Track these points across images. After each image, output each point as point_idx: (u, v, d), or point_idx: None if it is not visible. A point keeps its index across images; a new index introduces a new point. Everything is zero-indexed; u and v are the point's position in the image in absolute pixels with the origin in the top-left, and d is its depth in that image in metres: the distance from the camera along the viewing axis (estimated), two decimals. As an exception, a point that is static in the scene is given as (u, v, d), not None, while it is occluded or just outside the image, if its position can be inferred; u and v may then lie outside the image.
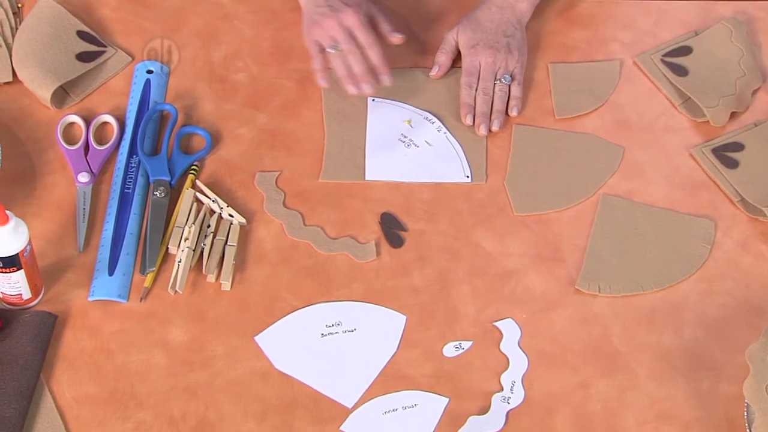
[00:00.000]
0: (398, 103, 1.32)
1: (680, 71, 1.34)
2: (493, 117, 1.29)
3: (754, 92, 1.34)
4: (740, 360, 1.10)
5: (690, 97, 1.32)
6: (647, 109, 1.32)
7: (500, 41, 1.31)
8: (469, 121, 1.29)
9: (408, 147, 1.28)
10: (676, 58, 1.35)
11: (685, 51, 1.36)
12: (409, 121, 1.30)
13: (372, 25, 1.28)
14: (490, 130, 1.29)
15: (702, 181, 1.27)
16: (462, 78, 1.31)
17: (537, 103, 1.32)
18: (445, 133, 1.29)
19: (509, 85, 1.31)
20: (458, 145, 1.28)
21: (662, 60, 1.35)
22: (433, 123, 1.30)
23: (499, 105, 1.30)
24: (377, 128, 1.30)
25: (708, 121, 1.30)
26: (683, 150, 1.29)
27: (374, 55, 1.25)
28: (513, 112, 1.30)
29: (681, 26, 1.39)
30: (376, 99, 1.32)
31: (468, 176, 1.26)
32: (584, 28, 1.39)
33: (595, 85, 1.34)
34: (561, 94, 1.33)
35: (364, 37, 1.25)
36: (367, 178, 1.25)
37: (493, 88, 1.30)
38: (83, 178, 1.22)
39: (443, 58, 1.33)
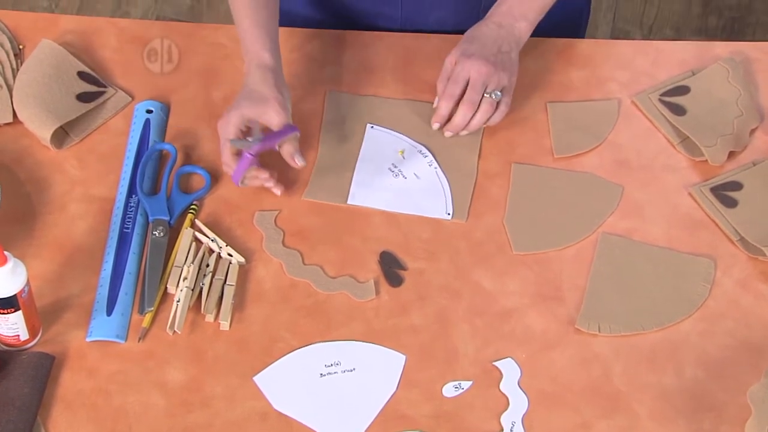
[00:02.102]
0: (396, 133, 1.31)
1: (678, 111, 1.33)
2: (467, 128, 1.27)
3: (752, 131, 1.33)
4: (742, 401, 1.09)
5: (688, 137, 1.31)
6: (645, 148, 1.32)
7: (496, 56, 1.28)
8: (436, 127, 1.28)
9: (396, 177, 1.28)
10: (673, 98, 1.35)
11: (683, 90, 1.35)
12: (402, 152, 1.29)
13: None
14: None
15: (701, 221, 1.26)
16: (447, 86, 1.27)
17: (536, 142, 1.32)
18: (435, 168, 1.28)
19: (498, 102, 1.27)
20: (446, 181, 1.27)
21: (660, 99, 1.35)
22: (425, 157, 1.29)
23: (479, 119, 1.27)
24: (369, 155, 1.29)
25: (706, 161, 1.29)
26: (682, 189, 1.28)
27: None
28: (478, 123, 1.27)
29: (678, 66, 1.39)
30: (375, 126, 1.31)
31: (449, 214, 1.25)
32: (582, 68, 1.39)
33: (593, 125, 1.33)
34: (560, 133, 1.32)
35: (221, 153, 1.22)
36: (349, 202, 1.25)
37: (480, 102, 1.27)
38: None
39: (440, 85, 1.31)
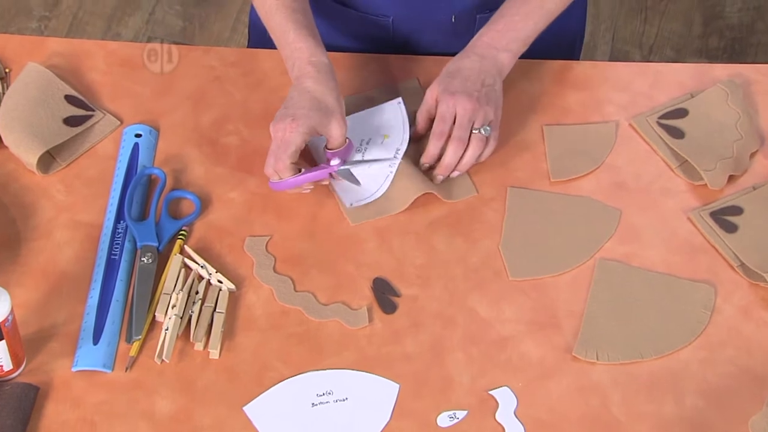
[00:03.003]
0: (404, 118, 1.32)
1: (676, 134, 1.34)
2: (458, 167, 1.26)
3: (752, 155, 1.33)
4: (743, 431, 1.08)
5: (687, 160, 1.31)
6: (644, 171, 1.32)
7: (479, 90, 1.27)
8: (425, 167, 1.28)
9: (357, 152, 1.29)
10: (672, 121, 1.35)
11: (681, 113, 1.36)
12: (387, 137, 1.30)
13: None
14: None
15: (701, 246, 1.26)
16: (435, 125, 1.27)
17: (532, 166, 1.32)
18: (388, 174, 1.28)
19: (487, 138, 1.27)
20: (379, 190, 1.27)
21: (658, 122, 1.35)
22: (394, 159, 1.28)
23: (470, 157, 1.26)
24: (367, 119, 1.32)
25: (705, 185, 1.29)
26: (681, 213, 1.28)
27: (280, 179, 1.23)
28: (470, 161, 1.26)
29: (677, 88, 1.39)
30: (401, 103, 1.33)
31: (351, 204, 1.26)
32: (579, 90, 1.39)
33: (590, 148, 1.34)
34: (556, 156, 1.33)
35: (277, 158, 1.21)
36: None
37: (469, 138, 1.26)
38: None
39: (420, 118, 1.30)
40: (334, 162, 1.25)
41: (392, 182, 1.27)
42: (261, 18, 1.33)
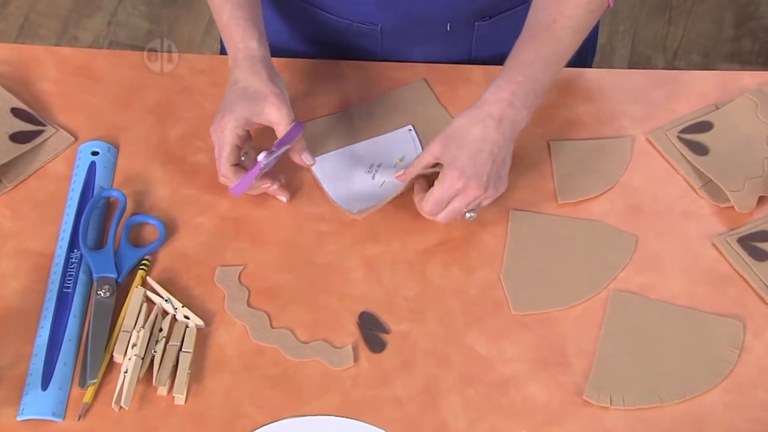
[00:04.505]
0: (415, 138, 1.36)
1: (699, 150, 1.35)
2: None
3: (785, 173, 1.35)
4: (774, 484, 1.09)
5: (711, 179, 1.32)
6: (663, 192, 1.33)
7: (490, 170, 1.22)
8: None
9: (367, 173, 1.32)
10: (694, 135, 1.36)
11: (705, 127, 1.37)
12: (401, 160, 1.33)
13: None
14: None
15: (727, 275, 1.26)
16: (435, 194, 1.22)
17: (537, 186, 1.33)
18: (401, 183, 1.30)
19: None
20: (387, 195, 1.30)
21: (679, 137, 1.36)
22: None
23: (442, 220, 1.25)
24: (380, 146, 1.36)
25: (732, 207, 1.30)
26: (705, 239, 1.29)
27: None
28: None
29: (699, 99, 1.40)
30: (412, 129, 1.37)
31: (358, 210, 1.28)
32: (590, 101, 1.40)
33: (603, 166, 1.35)
34: (564, 175, 1.34)
35: (218, 163, 1.25)
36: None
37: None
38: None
39: (412, 170, 1.26)
40: (260, 157, 1.24)
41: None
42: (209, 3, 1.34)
